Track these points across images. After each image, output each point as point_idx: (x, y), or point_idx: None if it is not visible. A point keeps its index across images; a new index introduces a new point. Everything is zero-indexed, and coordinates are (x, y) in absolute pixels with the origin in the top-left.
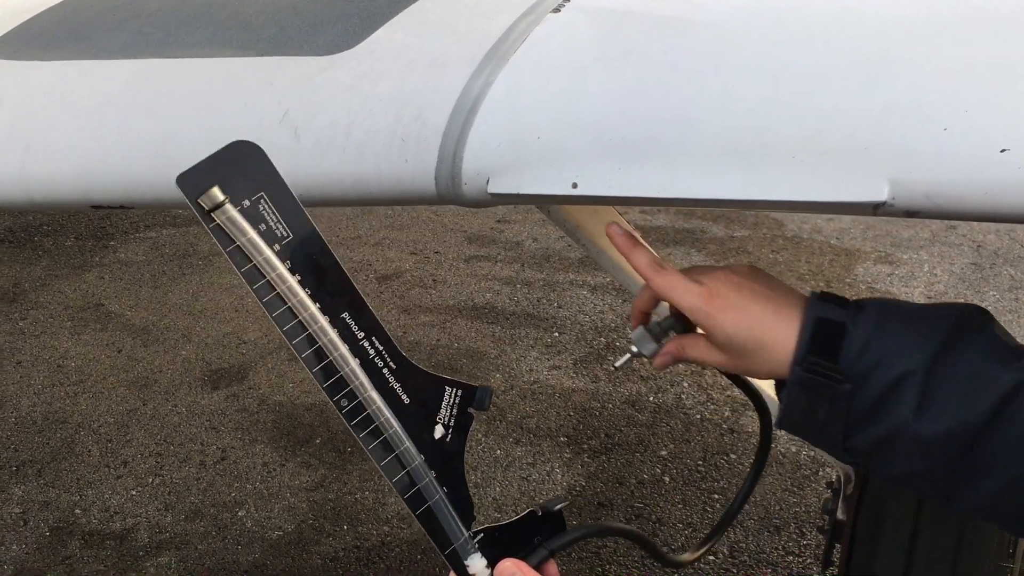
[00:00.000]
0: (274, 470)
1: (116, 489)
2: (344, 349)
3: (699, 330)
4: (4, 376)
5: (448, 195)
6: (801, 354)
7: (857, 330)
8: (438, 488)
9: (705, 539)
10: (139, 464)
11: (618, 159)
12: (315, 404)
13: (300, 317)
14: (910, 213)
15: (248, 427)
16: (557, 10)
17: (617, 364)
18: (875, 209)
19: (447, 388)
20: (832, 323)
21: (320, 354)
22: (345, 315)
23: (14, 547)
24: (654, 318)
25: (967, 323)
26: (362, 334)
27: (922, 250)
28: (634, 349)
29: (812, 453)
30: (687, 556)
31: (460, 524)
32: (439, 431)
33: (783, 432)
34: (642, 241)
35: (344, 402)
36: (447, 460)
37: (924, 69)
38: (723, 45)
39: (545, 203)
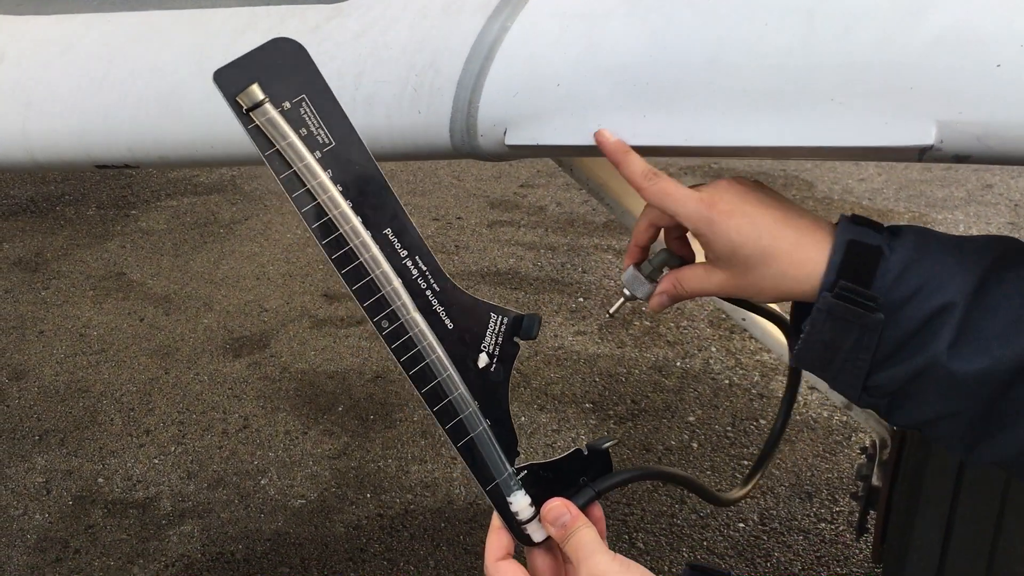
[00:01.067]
0: (296, 438)
1: (139, 458)
2: (387, 267)
3: (697, 258)
4: (27, 346)
5: (464, 148)
6: (831, 279)
7: (894, 255)
8: (481, 420)
9: (750, 474)
10: (161, 433)
11: (643, 106)
12: (337, 372)
13: (341, 230)
14: (960, 158)
15: (270, 395)
16: None
17: (611, 311)
18: (921, 154)
19: (492, 315)
20: (866, 247)
21: (360, 271)
22: (388, 231)
23: (37, 516)
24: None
25: (1009, 258)
26: (405, 252)
27: (957, 210)
28: (626, 292)
29: (844, 418)
30: (737, 493)
31: (504, 459)
32: (483, 360)
33: (813, 398)
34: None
35: (385, 323)
36: (490, 391)
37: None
38: None
39: (566, 155)
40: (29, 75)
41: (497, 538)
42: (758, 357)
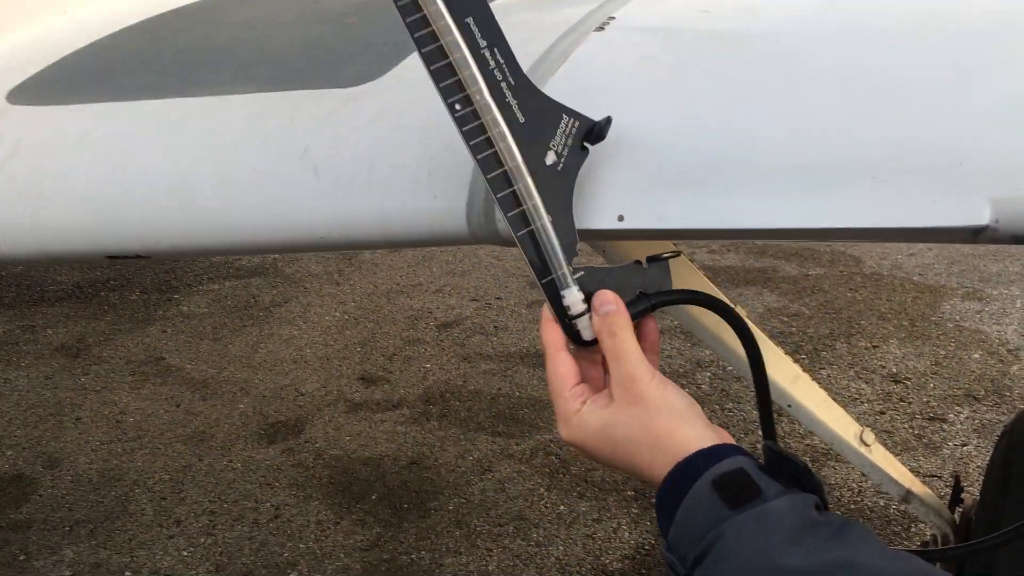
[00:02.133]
0: (328, 528)
1: (168, 550)
2: (466, 51)
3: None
4: (63, 433)
5: (481, 233)
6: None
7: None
8: (543, 214)
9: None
10: (192, 523)
11: (670, 187)
12: (372, 458)
13: (425, 11)
14: (1018, 239)
15: (303, 483)
16: (602, 28)
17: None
18: (975, 235)
19: (565, 116)
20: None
21: (440, 52)
22: (470, 20)
23: None
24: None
25: None
26: (484, 42)
27: (1013, 285)
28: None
29: (903, 507)
30: None
31: (561, 254)
32: (551, 157)
33: (868, 485)
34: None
35: (458, 107)
36: (555, 187)
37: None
38: (788, 56)
39: (589, 239)
40: (43, 166)
41: (554, 329)
42: (808, 441)
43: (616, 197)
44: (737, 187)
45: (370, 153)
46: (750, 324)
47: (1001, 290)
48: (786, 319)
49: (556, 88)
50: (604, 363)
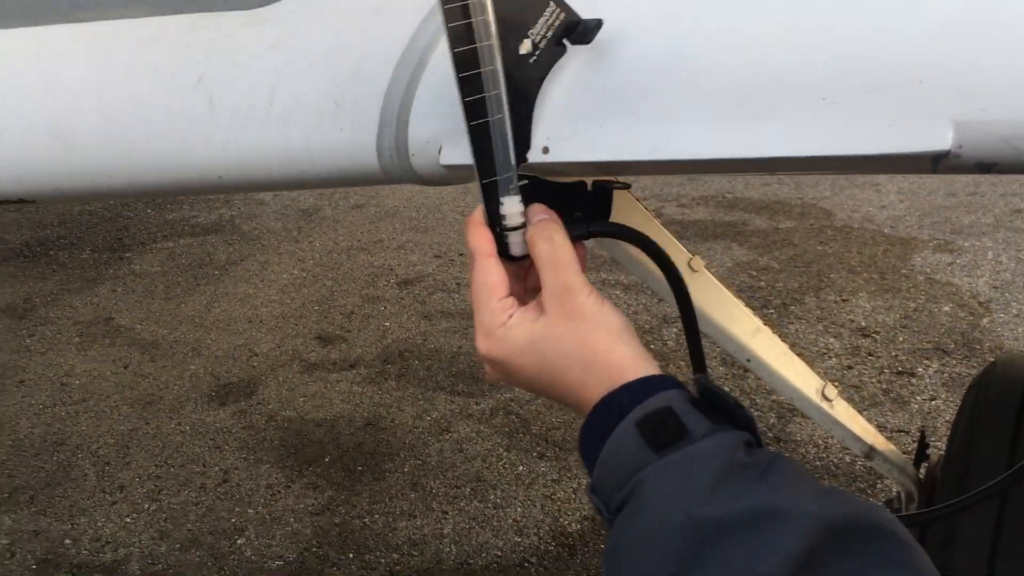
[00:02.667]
0: (278, 492)
1: (110, 516)
2: None
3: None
4: (6, 396)
5: (394, 170)
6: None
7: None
8: (504, 107)
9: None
10: (136, 488)
11: (599, 115)
12: (326, 419)
13: None
14: (983, 166)
15: (254, 446)
16: None
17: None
18: (936, 162)
19: (552, 3)
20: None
21: None
22: None
23: None
24: None
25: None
26: None
27: (985, 236)
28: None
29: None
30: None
31: (512, 155)
32: (526, 46)
33: (834, 441)
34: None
35: None
36: (523, 83)
37: None
38: None
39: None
40: None
41: (484, 234)
42: (774, 398)
43: (541, 127)
44: (672, 114)
45: (270, 81)
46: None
47: (973, 242)
48: (755, 273)
49: None
50: (527, 281)
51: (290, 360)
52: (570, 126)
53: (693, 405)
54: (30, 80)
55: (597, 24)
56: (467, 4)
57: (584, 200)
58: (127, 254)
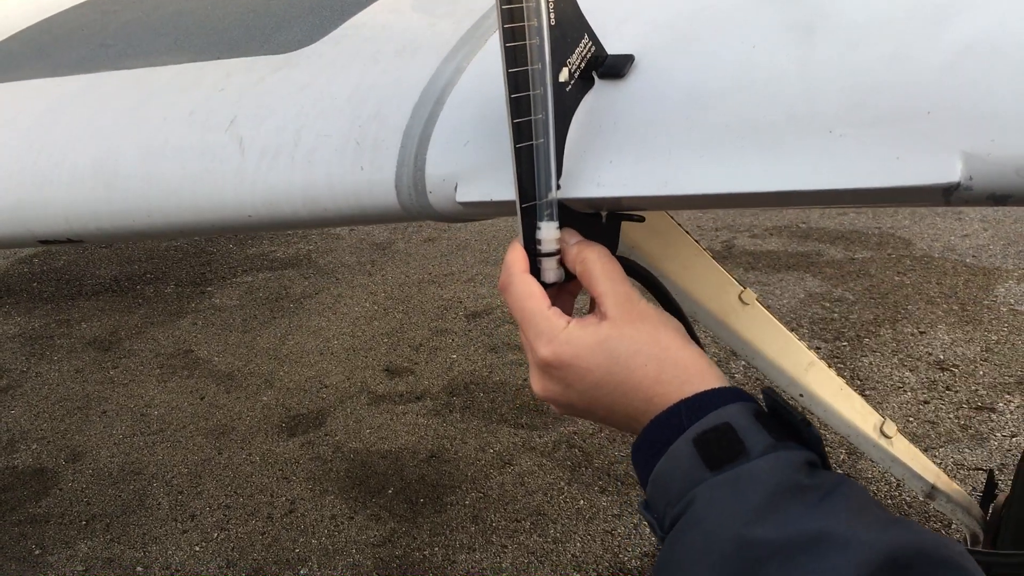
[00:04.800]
0: (342, 523)
1: (180, 544)
2: None
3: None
4: (88, 426)
5: (413, 207)
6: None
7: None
8: (550, 131)
9: None
10: (206, 517)
11: (607, 151)
12: (391, 451)
13: None
14: (996, 198)
15: (320, 476)
16: None
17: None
18: (947, 195)
19: (586, 35)
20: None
21: None
22: None
23: None
24: None
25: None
26: None
27: None
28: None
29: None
30: None
31: (554, 181)
32: (564, 75)
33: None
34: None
35: None
36: (559, 112)
37: (1000, 6)
38: (744, 9)
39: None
40: None
41: (520, 252)
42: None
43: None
44: (680, 148)
45: (297, 123)
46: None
47: None
48: (828, 305)
49: (496, 49)
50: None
51: (358, 392)
52: (579, 161)
53: (757, 420)
54: (78, 125)
55: (628, 59)
56: (525, 26)
57: (597, 231)
58: (208, 288)
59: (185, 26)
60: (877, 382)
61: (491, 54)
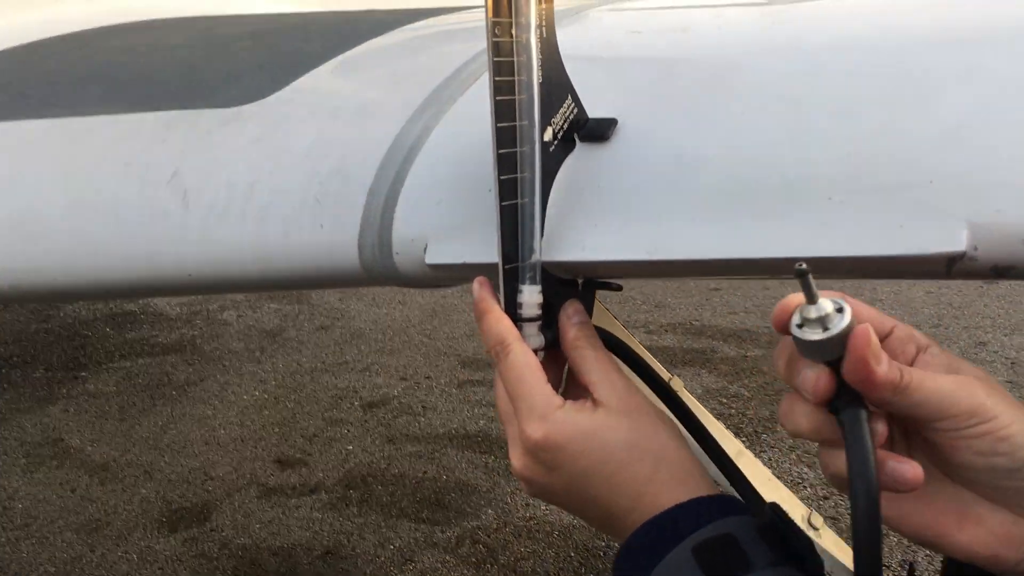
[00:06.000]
0: None
1: None
2: None
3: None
4: None
5: (376, 269)
6: None
7: None
8: (536, 191)
9: None
10: None
11: (591, 215)
12: (283, 547)
13: None
14: (999, 270)
15: (205, 575)
16: None
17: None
18: (950, 265)
19: (569, 96)
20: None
21: None
22: None
23: None
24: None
25: None
26: None
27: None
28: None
29: None
30: None
31: (538, 242)
32: (548, 134)
33: None
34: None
35: (498, 31)
36: (544, 171)
37: (1000, 75)
38: (728, 74)
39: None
40: None
41: (507, 319)
42: None
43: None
44: (669, 213)
45: (249, 177)
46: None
47: None
48: (725, 400)
49: (466, 108)
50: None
51: (247, 484)
52: (563, 223)
53: (759, 535)
54: None
55: (611, 122)
56: (515, 80)
57: (573, 298)
58: (82, 373)
59: (116, 77)
60: (777, 477)
61: (461, 115)
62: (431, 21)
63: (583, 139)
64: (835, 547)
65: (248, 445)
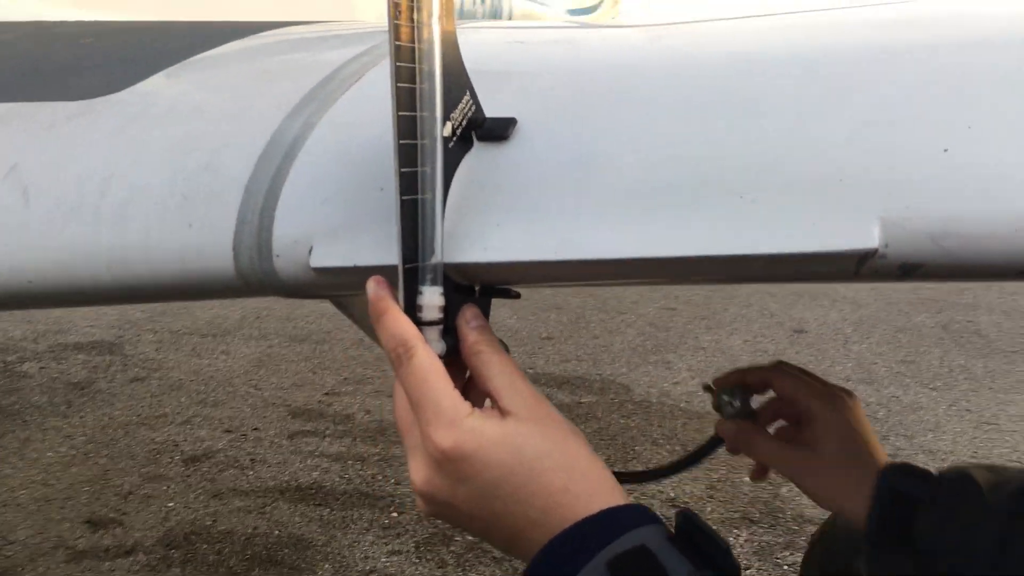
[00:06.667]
0: None
1: None
2: None
3: None
4: None
5: (253, 274)
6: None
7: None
8: (438, 187)
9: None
10: None
11: (493, 215)
12: None
13: None
14: (906, 267)
15: None
16: None
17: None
18: (861, 263)
19: (468, 93)
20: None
21: None
22: None
23: None
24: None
25: None
26: None
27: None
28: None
29: None
30: None
31: (439, 242)
32: (447, 129)
33: None
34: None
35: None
36: (445, 167)
37: (899, 82)
38: (624, 81)
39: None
40: None
41: (408, 320)
42: None
43: None
44: (576, 211)
45: (104, 172)
46: None
47: None
48: None
49: (352, 105)
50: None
51: (53, 548)
52: (462, 224)
53: (672, 544)
54: None
55: (511, 121)
56: (416, 68)
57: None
58: None
59: None
60: None
61: (345, 113)
62: (294, 28)
63: (481, 138)
64: None
65: (54, 505)
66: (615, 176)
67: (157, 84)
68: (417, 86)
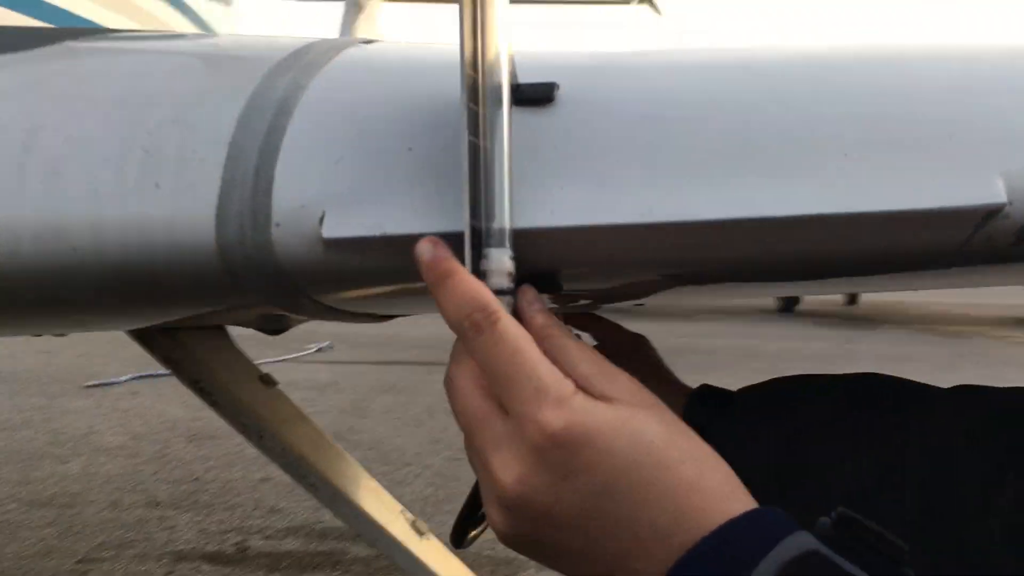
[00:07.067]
0: None
1: None
2: None
3: None
4: None
5: (240, 248)
6: None
7: None
8: (505, 145)
9: None
10: None
11: (566, 171)
12: None
13: None
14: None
15: None
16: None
17: None
18: (985, 221)
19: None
20: None
21: None
22: None
23: None
24: None
25: None
26: None
27: None
28: None
29: None
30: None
31: (507, 204)
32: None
33: None
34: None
35: None
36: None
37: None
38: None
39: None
40: None
41: (484, 286)
42: None
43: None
44: (655, 174)
45: (25, 123)
46: None
47: None
48: None
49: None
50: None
51: None
52: (534, 186)
53: (836, 549)
54: None
55: (551, 86)
56: (478, 26)
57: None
58: None
59: None
60: None
61: (338, 77)
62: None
63: (519, 102)
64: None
65: None
66: (697, 137)
67: (81, 44)
68: (478, 42)
